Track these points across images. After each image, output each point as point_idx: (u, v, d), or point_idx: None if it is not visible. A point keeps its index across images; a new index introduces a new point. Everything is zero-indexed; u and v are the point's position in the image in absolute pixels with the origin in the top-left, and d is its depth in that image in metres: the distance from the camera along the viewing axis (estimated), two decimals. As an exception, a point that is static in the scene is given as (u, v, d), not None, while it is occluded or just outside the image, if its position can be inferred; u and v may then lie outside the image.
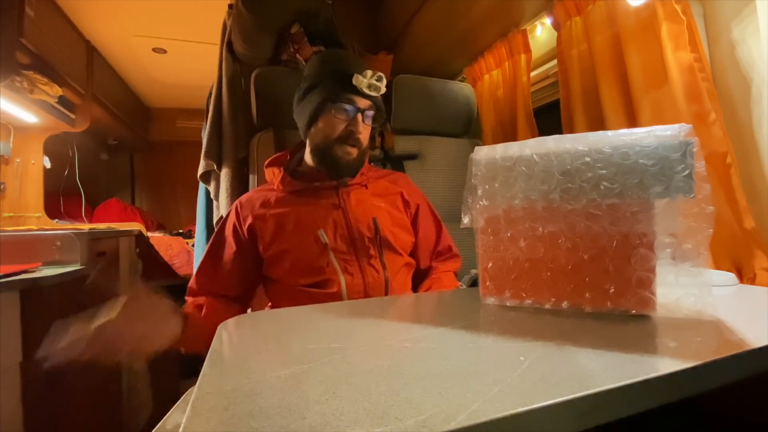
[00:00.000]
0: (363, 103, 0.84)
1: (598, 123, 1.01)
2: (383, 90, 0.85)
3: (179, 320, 0.69)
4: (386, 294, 0.83)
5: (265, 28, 1.18)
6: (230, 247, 0.86)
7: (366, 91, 0.82)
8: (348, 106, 0.83)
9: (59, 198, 2.47)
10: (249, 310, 1.01)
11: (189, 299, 0.84)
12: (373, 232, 0.85)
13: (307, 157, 0.92)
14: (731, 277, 0.64)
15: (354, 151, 0.86)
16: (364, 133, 0.87)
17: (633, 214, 0.46)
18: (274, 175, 0.90)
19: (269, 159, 0.94)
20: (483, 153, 0.55)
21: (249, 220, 0.85)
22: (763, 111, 0.75)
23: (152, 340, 0.62)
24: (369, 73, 0.83)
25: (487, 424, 0.25)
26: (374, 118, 0.89)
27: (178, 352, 0.76)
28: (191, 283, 0.86)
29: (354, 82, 0.81)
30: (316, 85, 0.85)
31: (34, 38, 1.55)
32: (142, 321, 0.60)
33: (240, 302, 0.88)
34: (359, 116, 0.84)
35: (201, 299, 0.83)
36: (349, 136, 0.84)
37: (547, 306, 0.51)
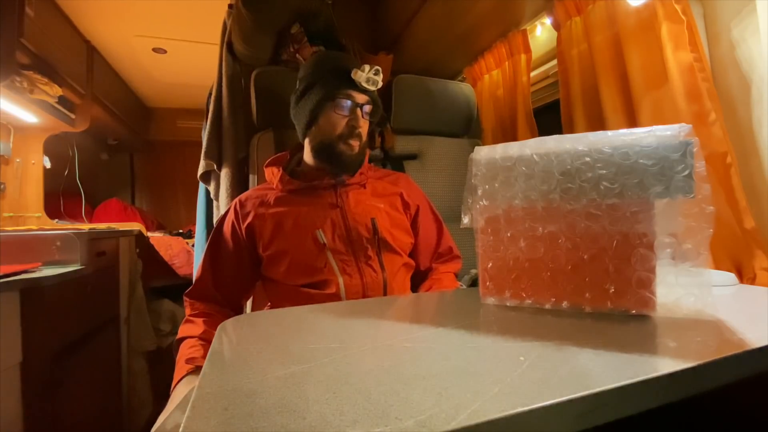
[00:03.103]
0: (361, 98, 0.85)
1: (598, 123, 1.01)
2: (380, 84, 0.85)
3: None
4: (385, 294, 0.83)
5: (265, 28, 1.18)
6: (228, 245, 0.86)
7: (365, 85, 0.83)
8: (347, 102, 0.84)
9: (59, 198, 2.46)
10: (248, 310, 1.01)
11: (188, 301, 0.85)
12: (371, 232, 0.85)
13: (307, 157, 0.92)
14: (731, 277, 0.63)
15: (356, 145, 0.86)
16: (363, 127, 0.88)
17: (633, 214, 0.46)
18: (273, 174, 0.91)
19: (269, 159, 0.94)
20: (483, 153, 0.55)
21: (248, 219, 0.85)
22: (763, 111, 0.75)
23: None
24: (367, 67, 0.84)
25: (487, 424, 0.25)
26: (372, 113, 0.90)
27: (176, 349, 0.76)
28: (193, 285, 0.86)
29: (353, 76, 0.82)
30: (314, 84, 0.86)
31: (34, 38, 1.55)
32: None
33: (235, 307, 0.89)
34: (359, 111, 0.85)
35: (200, 306, 0.84)
36: (351, 132, 0.85)
37: (547, 306, 0.51)
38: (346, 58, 0.89)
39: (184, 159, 3.34)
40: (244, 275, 0.87)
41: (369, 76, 0.83)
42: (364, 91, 0.85)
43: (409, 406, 0.27)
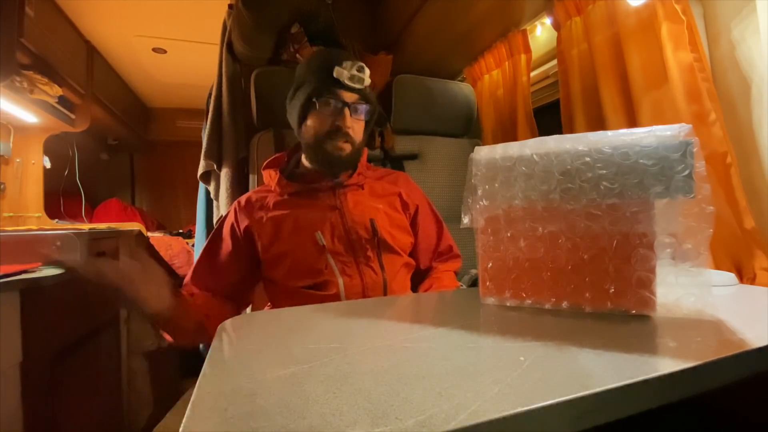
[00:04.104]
0: (349, 96, 0.83)
1: (598, 123, 1.01)
2: (367, 81, 0.83)
3: (172, 294, 0.70)
4: (385, 295, 0.83)
5: (265, 28, 1.18)
6: (227, 246, 0.86)
7: (348, 83, 0.80)
8: (332, 100, 0.82)
9: (59, 198, 2.47)
10: (248, 310, 1.01)
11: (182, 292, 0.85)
12: (370, 233, 0.85)
13: (304, 158, 0.92)
14: (731, 277, 0.63)
15: (347, 147, 0.84)
16: (354, 127, 0.85)
17: (633, 214, 0.46)
18: (270, 177, 0.90)
19: (267, 161, 0.94)
20: (483, 153, 0.55)
21: (247, 222, 0.85)
22: (763, 111, 0.75)
23: (143, 295, 0.65)
24: (349, 64, 0.81)
25: (487, 424, 0.25)
26: (368, 112, 0.87)
27: (176, 350, 0.76)
28: (186, 278, 0.86)
29: (335, 74, 0.80)
30: (303, 84, 0.85)
31: (34, 38, 1.55)
32: (143, 276, 0.65)
33: (234, 302, 0.88)
34: (346, 110, 0.82)
35: (193, 289, 0.84)
36: (337, 131, 0.83)
37: (547, 306, 0.51)
38: (334, 56, 0.85)
39: (184, 159, 3.34)
40: (243, 274, 0.87)
41: (352, 74, 0.80)
42: (353, 89, 0.82)
43: (409, 406, 0.27)
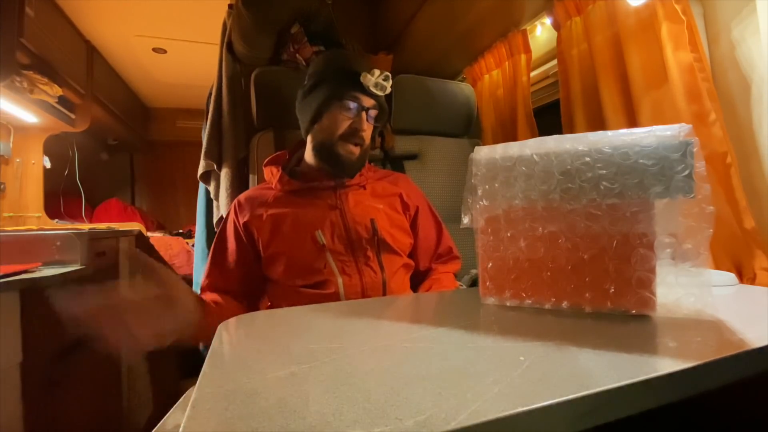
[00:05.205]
0: (368, 101, 0.85)
1: (598, 123, 1.01)
2: (389, 90, 0.85)
3: (199, 306, 0.71)
4: (384, 295, 0.83)
5: (265, 28, 1.18)
6: (231, 245, 0.86)
7: (373, 89, 0.83)
8: (353, 104, 0.84)
9: (59, 198, 2.47)
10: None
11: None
12: (370, 233, 0.85)
13: (308, 156, 0.92)
14: (731, 277, 0.63)
15: (357, 150, 0.86)
16: (367, 131, 0.87)
17: (633, 214, 0.46)
18: (272, 174, 0.91)
19: (268, 158, 0.94)
20: (483, 153, 0.55)
21: (246, 219, 0.85)
22: (763, 111, 0.75)
23: (169, 323, 0.64)
24: (377, 72, 0.83)
25: (487, 424, 0.25)
26: (377, 118, 0.89)
27: (177, 349, 0.77)
28: (202, 283, 0.86)
29: (362, 80, 0.82)
30: (322, 82, 0.86)
31: (34, 38, 1.55)
32: (164, 302, 0.63)
33: (248, 299, 0.89)
34: (363, 114, 0.85)
35: (214, 296, 0.84)
36: (353, 134, 0.84)
37: (547, 306, 0.51)
38: (358, 60, 0.89)
39: (184, 159, 3.34)
40: (251, 270, 0.87)
41: (378, 81, 0.83)
42: (372, 95, 0.84)
43: (409, 406, 0.27)
